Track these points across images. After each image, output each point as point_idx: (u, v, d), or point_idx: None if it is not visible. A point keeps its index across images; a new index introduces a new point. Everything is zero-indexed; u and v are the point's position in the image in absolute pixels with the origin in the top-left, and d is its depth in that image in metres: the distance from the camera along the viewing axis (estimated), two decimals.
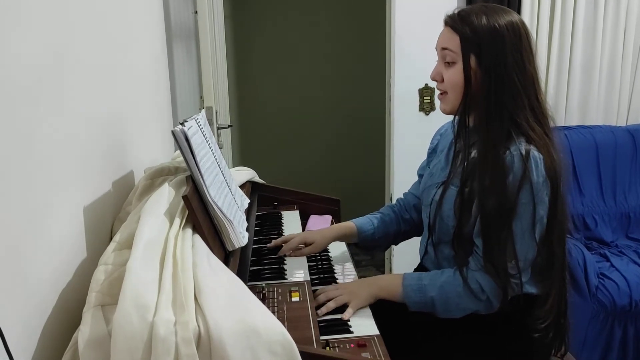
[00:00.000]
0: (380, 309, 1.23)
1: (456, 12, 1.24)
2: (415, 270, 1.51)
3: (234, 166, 2.14)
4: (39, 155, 0.94)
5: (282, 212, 1.80)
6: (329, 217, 1.77)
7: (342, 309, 1.19)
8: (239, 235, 1.20)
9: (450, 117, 1.30)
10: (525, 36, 1.20)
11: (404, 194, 1.61)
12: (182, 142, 1.11)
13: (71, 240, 1.07)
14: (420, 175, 1.54)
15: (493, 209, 1.17)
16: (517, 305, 1.21)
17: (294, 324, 1.08)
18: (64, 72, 1.05)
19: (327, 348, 1.05)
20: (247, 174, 1.77)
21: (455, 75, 1.23)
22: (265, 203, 1.85)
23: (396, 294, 1.26)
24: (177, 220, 1.08)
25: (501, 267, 1.17)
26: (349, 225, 1.55)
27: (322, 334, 1.08)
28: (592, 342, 2.24)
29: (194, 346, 0.82)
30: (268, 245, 1.51)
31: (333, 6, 3.91)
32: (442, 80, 1.26)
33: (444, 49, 1.24)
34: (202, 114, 1.34)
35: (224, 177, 1.34)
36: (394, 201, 1.63)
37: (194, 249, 1.01)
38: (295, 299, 1.20)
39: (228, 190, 1.33)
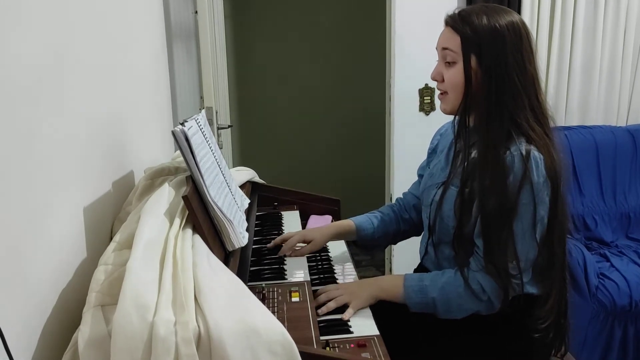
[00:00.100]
0: (381, 309, 1.23)
1: (457, 12, 1.24)
2: (416, 270, 1.51)
3: (234, 166, 2.14)
4: (39, 155, 0.94)
5: (282, 212, 1.80)
6: (329, 217, 1.77)
7: (342, 309, 1.19)
8: (239, 235, 1.20)
9: (451, 117, 1.30)
10: (525, 36, 1.20)
11: (404, 194, 1.61)
12: (182, 142, 1.11)
13: (71, 240, 1.07)
14: (420, 175, 1.54)
15: (493, 209, 1.17)
16: (518, 306, 1.21)
17: (294, 324, 1.08)
18: (64, 72, 1.05)
19: (327, 348, 1.05)
20: (247, 174, 1.77)
21: (455, 75, 1.22)
22: (265, 203, 1.85)
23: (397, 295, 1.26)
24: (177, 221, 1.08)
25: (502, 268, 1.17)
26: (348, 223, 1.55)
27: (322, 334, 1.07)
28: (592, 342, 2.24)
29: (194, 346, 0.82)
30: (268, 245, 1.51)
31: (333, 6, 3.91)
32: (443, 80, 1.26)
33: (444, 49, 1.24)
34: (202, 114, 1.34)
35: (224, 177, 1.34)
36: (393, 201, 1.63)
37: (194, 249, 1.01)
38: (295, 299, 1.20)
39: (228, 190, 1.33)
